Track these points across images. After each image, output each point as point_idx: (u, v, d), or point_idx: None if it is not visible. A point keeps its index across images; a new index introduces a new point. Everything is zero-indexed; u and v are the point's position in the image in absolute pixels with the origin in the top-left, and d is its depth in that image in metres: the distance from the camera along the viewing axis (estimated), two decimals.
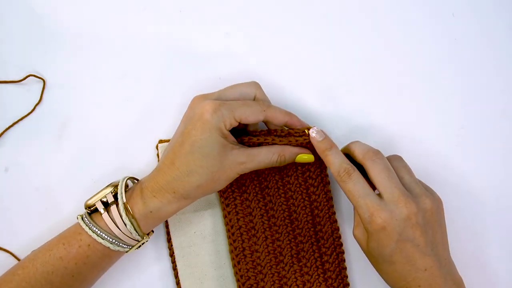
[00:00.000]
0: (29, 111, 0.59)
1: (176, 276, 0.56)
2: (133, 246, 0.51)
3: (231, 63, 0.60)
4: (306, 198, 0.56)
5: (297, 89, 0.60)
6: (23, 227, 0.57)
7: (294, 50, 0.61)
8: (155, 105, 0.59)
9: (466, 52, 0.61)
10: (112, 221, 0.49)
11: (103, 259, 0.50)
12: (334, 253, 0.55)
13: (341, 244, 0.56)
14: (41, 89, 0.59)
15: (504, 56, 0.61)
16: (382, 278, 0.50)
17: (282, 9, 0.61)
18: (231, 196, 0.55)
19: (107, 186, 0.51)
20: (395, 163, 0.50)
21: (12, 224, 0.57)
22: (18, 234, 0.57)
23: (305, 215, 0.55)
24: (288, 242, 0.55)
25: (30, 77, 0.59)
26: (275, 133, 0.52)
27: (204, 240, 0.56)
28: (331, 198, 0.56)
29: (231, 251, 0.55)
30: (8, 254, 0.56)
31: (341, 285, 0.55)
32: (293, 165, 0.55)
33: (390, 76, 0.61)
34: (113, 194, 0.50)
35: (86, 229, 0.49)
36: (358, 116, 0.60)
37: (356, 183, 0.48)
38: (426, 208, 0.48)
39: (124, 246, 0.50)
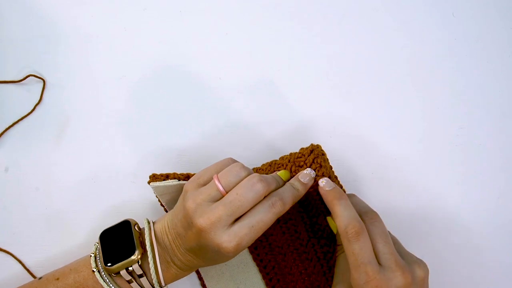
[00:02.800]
0: (29, 111, 0.59)
1: (197, 271, 0.56)
2: None
3: (231, 63, 0.60)
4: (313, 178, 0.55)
5: (297, 89, 0.60)
6: (23, 227, 0.57)
7: (294, 50, 0.61)
8: (155, 105, 0.59)
9: (466, 52, 0.61)
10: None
11: None
12: None
13: None
14: (41, 89, 0.59)
15: (504, 56, 0.61)
16: None
17: (282, 9, 0.62)
18: None
19: (133, 252, 0.47)
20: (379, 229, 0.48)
21: (12, 224, 0.57)
22: (18, 234, 0.57)
23: (314, 192, 0.55)
24: (300, 218, 0.55)
25: (30, 77, 0.59)
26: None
27: None
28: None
29: None
30: (8, 255, 0.56)
31: None
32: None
33: (390, 76, 0.61)
34: (139, 262, 0.47)
35: None
36: (358, 116, 0.60)
37: (362, 247, 0.45)
38: (419, 277, 0.46)
39: None
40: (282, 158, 0.53)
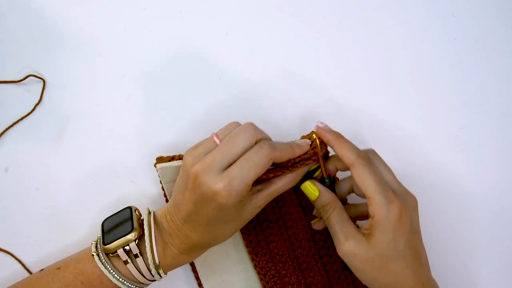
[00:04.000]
0: (29, 111, 0.59)
1: (197, 278, 0.56)
2: (151, 283, 0.51)
3: (231, 63, 0.60)
4: None
5: (297, 89, 0.60)
6: (23, 227, 0.57)
7: (294, 50, 0.61)
8: (155, 105, 0.59)
9: (466, 52, 0.61)
10: (138, 271, 0.49)
11: None
12: None
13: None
14: (41, 89, 0.59)
15: (504, 56, 0.61)
16: (384, 283, 0.48)
17: (282, 10, 0.62)
18: None
19: (130, 232, 0.48)
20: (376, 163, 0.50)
21: (12, 224, 0.57)
22: (18, 235, 0.57)
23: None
24: (302, 226, 0.55)
25: (30, 77, 0.59)
26: (281, 165, 0.50)
27: None
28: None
29: (247, 245, 0.55)
30: (8, 255, 0.56)
31: None
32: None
33: (390, 76, 0.61)
34: (136, 241, 0.48)
35: (110, 276, 0.48)
36: (358, 116, 0.60)
37: (377, 172, 0.48)
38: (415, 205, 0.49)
39: (145, 287, 0.51)
40: None
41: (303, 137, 0.51)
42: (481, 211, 0.59)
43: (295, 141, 0.50)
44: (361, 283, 0.50)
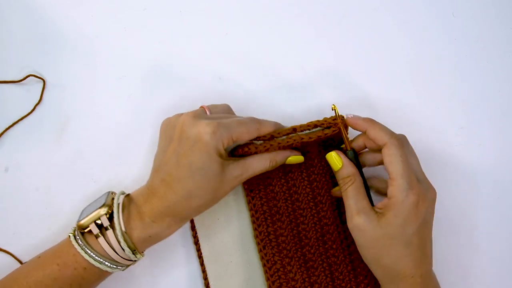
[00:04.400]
0: (29, 111, 0.59)
1: (202, 263, 0.56)
2: (129, 265, 0.51)
3: (231, 63, 0.60)
4: (330, 180, 0.56)
5: (297, 89, 0.60)
6: (23, 227, 0.57)
7: (294, 50, 0.61)
8: (155, 104, 0.59)
9: (466, 52, 0.61)
10: (109, 246, 0.48)
11: (99, 279, 0.50)
12: None
13: None
14: (41, 89, 0.59)
15: (504, 56, 0.61)
16: (383, 264, 0.48)
17: (282, 10, 0.62)
18: (254, 182, 0.55)
19: (101, 206, 0.49)
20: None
21: (12, 224, 0.57)
22: (18, 235, 0.57)
23: (329, 197, 0.55)
24: (313, 225, 0.55)
25: (30, 77, 0.59)
26: (263, 138, 0.52)
27: (229, 227, 0.56)
28: None
29: (256, 236, 0.55)
30: (8, 255, 0.56)
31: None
32: (316, 148, 0.56)
33: (390, 76, 0.61)
34: (107, 215, 0.49)
35: (82, 252, 0.48)
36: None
37: (407, 155, 0.49)
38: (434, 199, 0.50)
39: (121, 267, 0.50)
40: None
41: (324, 119, 0.53)
42: (481, 211, 0.59)
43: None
44: (345, 230, 0.52)
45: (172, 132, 0.49)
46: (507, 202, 0.59)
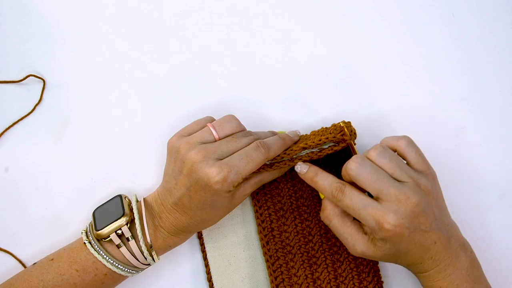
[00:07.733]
0: (29, 111, 0.59)
1: (205, 258, 0.56)
2: (146, 268, 0.53)
3: (231, 63, 0.60)
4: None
5: (297, 89, 0.60)
6: (23, 227, 0.57)
7: (294, 50, 0.61)
8: (155, 104, 0.59)
9: (466, 51, 0.61)
10: (131, 254, 0.50)
11: (117, 282, 0.52)
12: None
13: None
14: (41, 89, 0.59)
15: (504, 56, 0.61)
16: (396, 264, 0.51)
17: (282, 10, 0.62)
18: None
19: (121, 217, 0.50)
20: (380, 158, 0.50)
21: (12, 224, 0.57)
22: (18, 235, 0.57)
23: None
24: (317, 221, 0.55)
25: (30, 77, 0.59)
26: (274, 160, 0.53)
27: (232, 222, 0.57)
28: None
29: (259, 232, 0.55)
30: (8, 255, 0.56)
31: (371, 263, 0.55)
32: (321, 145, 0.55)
33: (390, 76, 0.61)
34: (128, 225, 0.50)
35: (103, 261, 0.49)
36: (358, 116, 0.60)
37: (351, 197, 0.48)
38: (423, 192, 0.48)
39: (140, 270, 0.52)
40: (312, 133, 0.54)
41: (323, 128, 0.54)
42: (481, 211, 0.59)
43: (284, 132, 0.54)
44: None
45: (181, 166, 0.49)
46: (507, 202, 0.59)
